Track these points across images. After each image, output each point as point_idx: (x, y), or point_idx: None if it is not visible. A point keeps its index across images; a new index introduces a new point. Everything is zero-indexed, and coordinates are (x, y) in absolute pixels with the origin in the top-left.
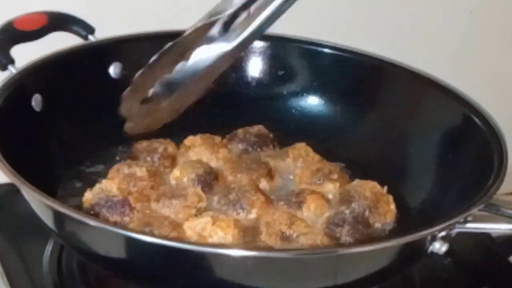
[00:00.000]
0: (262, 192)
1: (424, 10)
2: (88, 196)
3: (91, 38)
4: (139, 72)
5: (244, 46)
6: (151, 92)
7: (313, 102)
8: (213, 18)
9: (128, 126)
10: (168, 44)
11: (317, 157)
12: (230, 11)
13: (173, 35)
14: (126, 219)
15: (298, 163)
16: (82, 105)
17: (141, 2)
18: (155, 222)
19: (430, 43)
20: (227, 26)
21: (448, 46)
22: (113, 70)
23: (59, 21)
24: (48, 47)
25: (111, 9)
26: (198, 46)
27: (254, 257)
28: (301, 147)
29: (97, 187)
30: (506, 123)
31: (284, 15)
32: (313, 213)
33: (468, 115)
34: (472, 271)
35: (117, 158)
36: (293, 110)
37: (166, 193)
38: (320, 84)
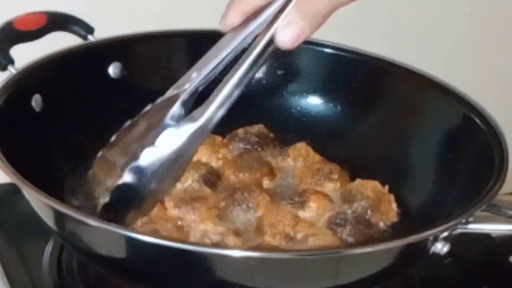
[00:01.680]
0: (266, 191)
1: (424, 10)
2: None
3: (91, 38)
4: (99, 154)
5: (212, 121)
6: (121, 181)
7: (313, 102)
8: (176, 92)
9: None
10: (128, 121)
11: (317, 157)
12: (189, 88)
13: (172, 35)
14: None
15: (298, 162)
16: (82, 105)
17: (140, 2)
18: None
19: (430, 43)
20: (187, 103)
21: (448, 46)
22: (113, 70)
23: (59, 21)
24: (48, 47)
25: (110, 8)
26: (163, 128)
27: (256, 258)
28: (301, 147)
29: None
30: (506, 123)
31: None
32: (315, 212)
33: (469, 115)
34: (472, 271)
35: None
36: (293, 110)
37: (185, 198)
38: (320, 84)
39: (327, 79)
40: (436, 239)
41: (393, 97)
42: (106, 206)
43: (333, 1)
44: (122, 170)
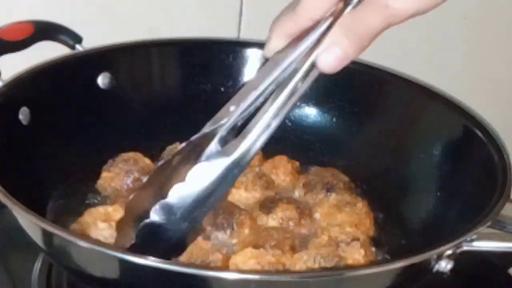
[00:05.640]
0: (244, 209)
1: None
2: None
3: (79, 47)
4: (131, 196)
5: (247, 155)
6: (148, 220)
7: (307, 112)
8: (212, 128)
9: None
10: (160, 161)
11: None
12: (227, 123)
13: (163, 43)
14: None
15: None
16: (71, 117)
17: (129, 11)
18: None
19: (423, 49)
20: (225, 139)
21: (442, 51)
22: (102, 80)
23: (46, 31)
24: (35, 57)
25: (98, 17)
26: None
27: (256, 281)
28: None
29: None
30: (502, 130)
31: None
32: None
33: (470, 127)
34: (471, 283)
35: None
36: (286, 121)
37: None
38: (315, 94)
39: (322, 89)
40: (440, 257)
41: (390, 108)
42: (133, 247)
43: (386, 19)
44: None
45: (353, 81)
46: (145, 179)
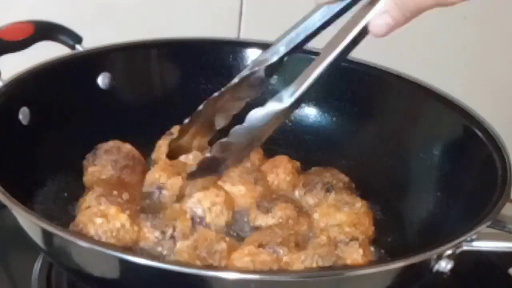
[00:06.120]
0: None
1: (418, 16)
2: None
3: (79, 47)
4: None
5: (298, 103)
6: (209, 154)
7: (307, 112)
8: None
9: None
10: (213, 94)
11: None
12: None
13: (162, 44)
14: None
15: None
16: (71, 117)
17: (129, 11)
18: None
19: (423, 48)
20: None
21: (442, 51)
22: (102, 80)
23: (46, 31)
24: (35, 57)
25: (98, 17)
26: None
27: (256, 281)
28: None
29: None
30: (502, 130)
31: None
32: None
33: (469, 127)
34: (471, 283)
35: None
36: (287, 121)
37: None
38: (315, 94)
39: (322, 89)
40: (440, 257)
41: (391, 108)
42: (190, 174)
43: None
44: (210, 144)
45: (353, 81)
46: (131, 164)
